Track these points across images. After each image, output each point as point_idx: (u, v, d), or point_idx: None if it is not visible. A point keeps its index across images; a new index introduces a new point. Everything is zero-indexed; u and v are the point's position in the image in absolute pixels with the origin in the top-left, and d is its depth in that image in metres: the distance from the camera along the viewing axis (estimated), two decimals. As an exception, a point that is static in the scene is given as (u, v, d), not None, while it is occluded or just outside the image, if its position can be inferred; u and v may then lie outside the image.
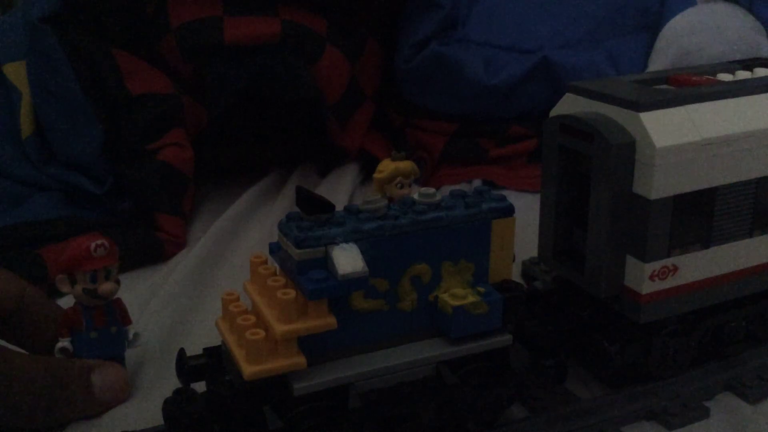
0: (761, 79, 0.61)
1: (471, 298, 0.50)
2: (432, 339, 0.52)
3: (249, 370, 0.45)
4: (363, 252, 0.47)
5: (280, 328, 0.45)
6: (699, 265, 0.57)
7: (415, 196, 0.51)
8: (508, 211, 0.52)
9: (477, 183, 1.03)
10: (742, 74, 0.62)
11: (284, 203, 0.98)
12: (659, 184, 0.52)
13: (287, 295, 0.45)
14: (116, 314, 0.58)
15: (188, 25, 0.94)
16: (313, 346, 0.47)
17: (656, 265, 0.54)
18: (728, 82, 0.60)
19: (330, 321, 0.46)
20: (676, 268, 0.55)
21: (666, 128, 0.53)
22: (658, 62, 1.05)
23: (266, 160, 1.11)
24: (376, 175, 0.68)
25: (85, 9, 0.89)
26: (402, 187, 0.67)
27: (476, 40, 1.07)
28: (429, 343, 0.52)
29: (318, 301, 0.46)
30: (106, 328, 0.57)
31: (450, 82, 1.05)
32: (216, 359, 0.51)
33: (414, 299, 0.51)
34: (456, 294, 0.51)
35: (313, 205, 0.48)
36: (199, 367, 0.51)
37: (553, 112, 0.60)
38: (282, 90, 1.03)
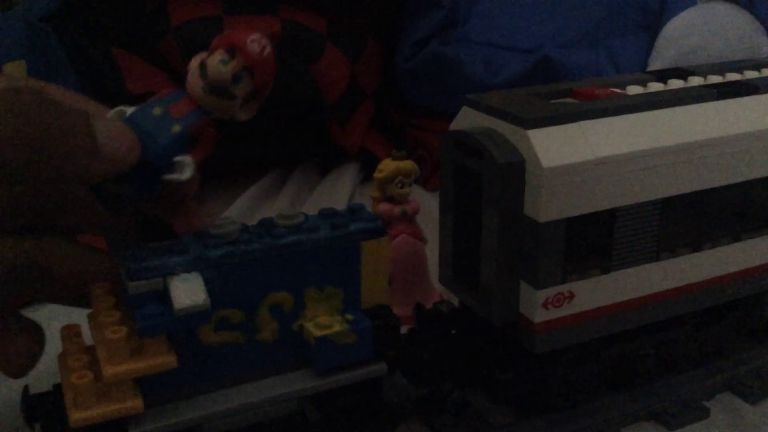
0: (669, 92, 0.56)
1: (337, 327, 0.47)
2: (298, 372, 0.48)
3: (75, 416, 0.41)
4: (210, 281, 0.43)
5: (109, 369, 0.41)
6: (598, 292, 0.52)
7: (275, 218, 0.47)
8: (379, 231, 0.48)
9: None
10: (654, 86, 0.57)
11: (284, 203, 0.98)
12: (549, 207, 0.48)
13: (117, 333, 0.41)
14: (192, 132, 0.43)
15: (188, 25, 0.94)
16: (160, 384, 0.43)
17: (550, 292, 0.50)
18: (632, 96, 0.55)
19: (169, 360, 0.42)
20: (572, 295, 0.51)
21: (556, 146, 0.48)
22: (658, 62, 1.05)
23: (266, 159, 1.11)
24: (376, 175, 0.68)
25: (85, 8, 0.89)
26: (403, 186, 0.67)
27: (476, 39, 1.07)
28: (293, 376, 0.47)
29: (156, 338, 0.42)
30: (174, 120, 0.43)
31: (450, 81, 1.05)
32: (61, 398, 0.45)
33: (275, 329, 0.47)
34: (320, 323, 0.47)
35: (152, 231, 0.44)
36: (40, 406, 0.45)
37: (452, 127, 0.56)
38: (282, 89, 1.02)
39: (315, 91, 1.01)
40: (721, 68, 0.62)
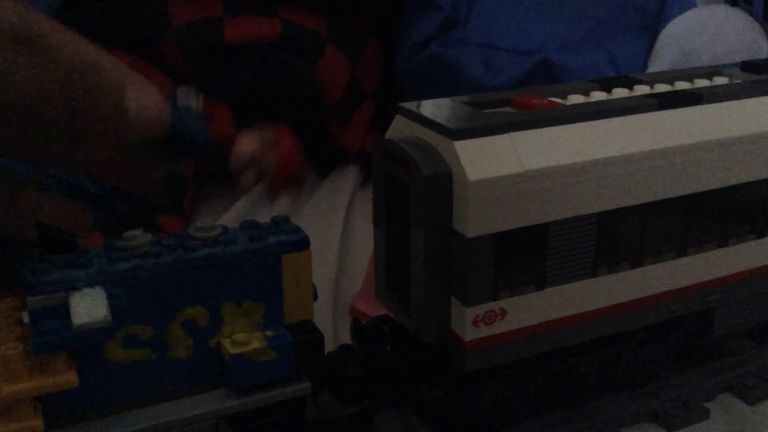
0: (608, 102, 0.54)
1: (255, 344, 0.45)
2: (215, 391, 0.46)
3: None
4: (115, 296, 0.41)
5: (4, 388, 0.39)
6: (533, 309, 0.50)
7: (190, 230, 0.46)
8: (302, 244, 0.46)
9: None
10: (597, 96, 0.56)
11: (284, 204, 0.97)
12: (477, 221, 0.46)
13: (13, 349, 0.40)
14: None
15: (188, 26, 0.94)
16: (65, 404, 0.42)
17: (480, 310, 0.48)
18: (569, 106, 0.53)
19: (68, 378, 0.40)
20: (504, 312, 0.49)
21: (483, 159, 0.46)
22: (658, 64, 1.05)
23: (266, 160, 1.11)
24: (376, 175, 0.68)
25: (85, 8, 0.89)
26: (402, 187, 0.67)
27: (476, 41, 1.07)
28: (209, 396, 0.46)
29: (55, 356, 0.40)
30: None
31: (450, 82, 1.05)
32: None
33: (189, 346, 0.45)
34: (237, 340, 0.45)
35: (52, 244, 0.42)
36: None
37: (387, 135, 0.54)
38: (282, 90, 1.03)
39: (315, 91, 1.01)
40: (671, 77, 0.60)
